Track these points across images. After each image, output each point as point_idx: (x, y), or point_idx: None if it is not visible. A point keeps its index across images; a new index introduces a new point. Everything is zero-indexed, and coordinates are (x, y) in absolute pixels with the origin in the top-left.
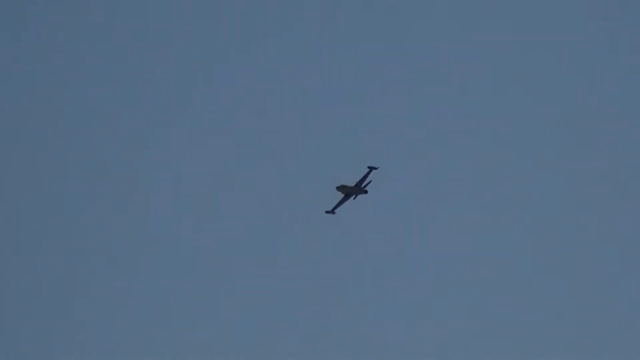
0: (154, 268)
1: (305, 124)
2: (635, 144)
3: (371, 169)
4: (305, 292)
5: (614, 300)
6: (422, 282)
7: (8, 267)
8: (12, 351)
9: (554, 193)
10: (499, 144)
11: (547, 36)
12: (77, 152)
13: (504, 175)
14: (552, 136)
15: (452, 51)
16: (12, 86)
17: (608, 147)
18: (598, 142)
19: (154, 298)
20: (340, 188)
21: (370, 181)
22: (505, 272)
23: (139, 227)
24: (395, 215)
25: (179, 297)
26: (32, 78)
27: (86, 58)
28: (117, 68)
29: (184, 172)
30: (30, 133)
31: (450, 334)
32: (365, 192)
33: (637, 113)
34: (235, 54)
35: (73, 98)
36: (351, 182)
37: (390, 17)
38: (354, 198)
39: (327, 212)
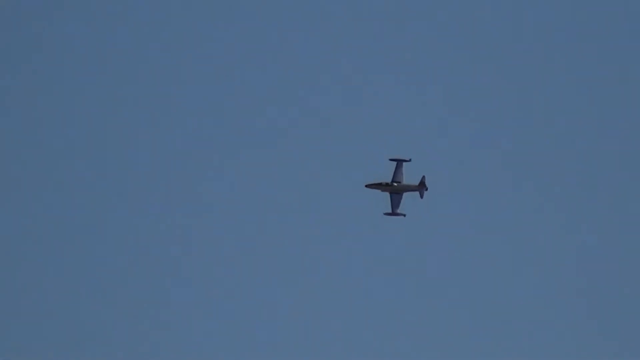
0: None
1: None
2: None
3: (398, 161)
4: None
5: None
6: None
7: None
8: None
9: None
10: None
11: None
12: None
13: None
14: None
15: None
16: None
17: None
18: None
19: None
20: (382, 186)
21: (424, 176)
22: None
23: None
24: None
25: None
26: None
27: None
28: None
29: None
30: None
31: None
32: (426, 188)
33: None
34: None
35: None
36: (386, 180)
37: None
38: (422, 197)
39: (387, 214)
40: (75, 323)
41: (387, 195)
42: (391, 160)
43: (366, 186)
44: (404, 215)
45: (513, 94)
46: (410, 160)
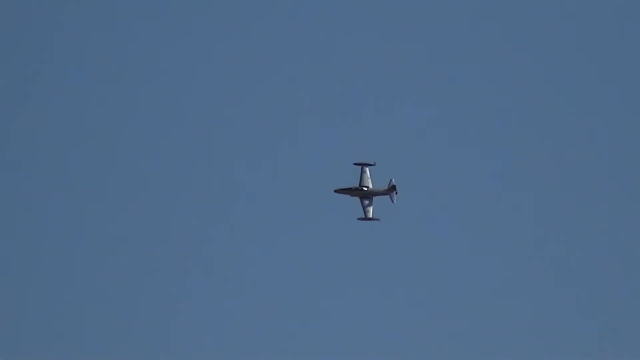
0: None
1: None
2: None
3: (362, 165)
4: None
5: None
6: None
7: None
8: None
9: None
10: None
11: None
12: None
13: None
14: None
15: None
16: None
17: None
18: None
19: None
20: (351, 191)
21: (391, 179)
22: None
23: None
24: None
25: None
26: None
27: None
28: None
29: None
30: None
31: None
32: (396, 192)
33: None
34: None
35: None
36: (354, 184)
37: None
38: (393, 201)
39: (361, 219)
40: (76, 323)
41: (357, 200)
42: (355, 164)
43: (335, 191)
44: (378, 220)
45: (479, 94)
46: (374, 164)
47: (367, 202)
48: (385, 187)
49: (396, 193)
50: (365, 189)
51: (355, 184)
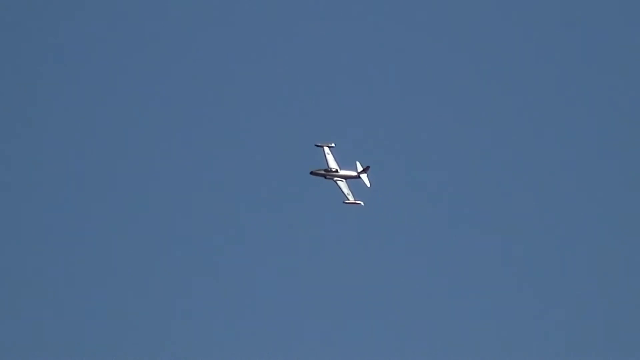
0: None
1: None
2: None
3: (322, 146)
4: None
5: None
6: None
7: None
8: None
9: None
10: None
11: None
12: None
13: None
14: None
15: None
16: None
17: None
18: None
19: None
20: (326, 172)
21: (357, 162)
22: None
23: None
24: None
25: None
26: None
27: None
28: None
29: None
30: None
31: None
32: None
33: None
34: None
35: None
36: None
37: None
38: (370, 184)
39: (347, 202)
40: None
41: (332, 183)
42: (317, 146)
43: (311, 173)
44: (362, 204)
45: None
46: (334, 145)
47: (343, 184)
48: (356, 170)
49: (366, 172)
50: (338, 171)
51: (324, 166)
